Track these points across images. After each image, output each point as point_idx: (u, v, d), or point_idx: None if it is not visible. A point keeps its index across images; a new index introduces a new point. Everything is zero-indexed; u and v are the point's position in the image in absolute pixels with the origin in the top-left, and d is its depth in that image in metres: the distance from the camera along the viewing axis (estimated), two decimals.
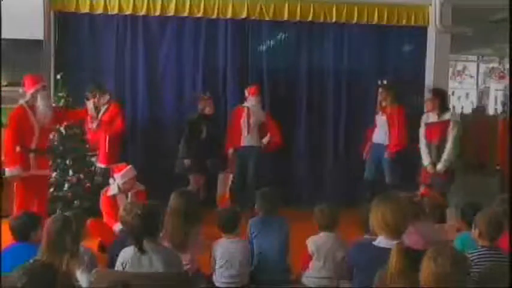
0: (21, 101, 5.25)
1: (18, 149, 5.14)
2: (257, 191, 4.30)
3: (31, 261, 2.46)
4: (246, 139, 6.73)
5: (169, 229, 3.75)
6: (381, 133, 6.75)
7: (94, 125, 6.23)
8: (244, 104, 6.81)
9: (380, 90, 6.84)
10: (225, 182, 6.90)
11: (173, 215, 3.82)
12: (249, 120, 6.71)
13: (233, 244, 3.81)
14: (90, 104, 6.10)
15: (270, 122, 6.88)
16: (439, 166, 5.91)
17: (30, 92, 5.25)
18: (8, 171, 5.14)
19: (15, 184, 5.22)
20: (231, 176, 6.86)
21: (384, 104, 6.77)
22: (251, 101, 6.76)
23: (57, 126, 6.11)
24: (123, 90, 7.09)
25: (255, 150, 6.75)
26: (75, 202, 6.12)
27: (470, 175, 10.06)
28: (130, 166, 5.26)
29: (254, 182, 6.56)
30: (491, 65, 14.58)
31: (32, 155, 5.20)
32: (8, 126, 5.25)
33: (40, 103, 5.22)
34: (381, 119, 6.77)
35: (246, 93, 6.82)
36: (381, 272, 2.63)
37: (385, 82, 6.90)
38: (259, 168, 6.77)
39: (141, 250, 3.09)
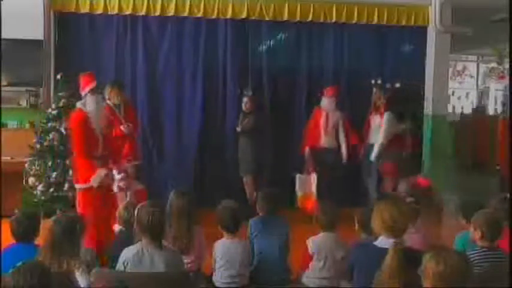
0: (78, 104, 4.69)
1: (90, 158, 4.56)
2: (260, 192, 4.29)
3: (21, 262, 2.45)
4: (323, 140, 6.75)
5: (169, 229, 3.74)
6: (374, 134, 6.76)
7: (124, 129, 5.74)
8: (321, 105, 6.81)
9: (374, 90, 6.84)
10: (309, 182, 6.62)
11: (172, 215, 3.82)
12: (327, 122, 6.73)
13: (233, 244, 3.80)
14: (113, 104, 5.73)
15: (345, 123, 6.87)
16: None
17: (83, 93, 4.69)
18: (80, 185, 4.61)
19: (79, 195, 4.67)
20: (314, 176, 6.60)
21: (378, 103, 6.78)
22: (326, 101, 6.76)
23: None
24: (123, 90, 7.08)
25: (332, 153, 6.77)
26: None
27: (470, 175, 10.09)
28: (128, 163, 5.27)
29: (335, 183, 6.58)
30: (491, 65, 14.56)
31: (98, 163, 4.59)
32: (71, 132, 4.73)
33: (88, 107, 4.62)
34: (375, 120, 6.78)
35: (325, 93, 6.81)
36: (380, 272, 2.63)
37: (379, 82, 6.91)
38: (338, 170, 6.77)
39: (142, 250, 3.09)
